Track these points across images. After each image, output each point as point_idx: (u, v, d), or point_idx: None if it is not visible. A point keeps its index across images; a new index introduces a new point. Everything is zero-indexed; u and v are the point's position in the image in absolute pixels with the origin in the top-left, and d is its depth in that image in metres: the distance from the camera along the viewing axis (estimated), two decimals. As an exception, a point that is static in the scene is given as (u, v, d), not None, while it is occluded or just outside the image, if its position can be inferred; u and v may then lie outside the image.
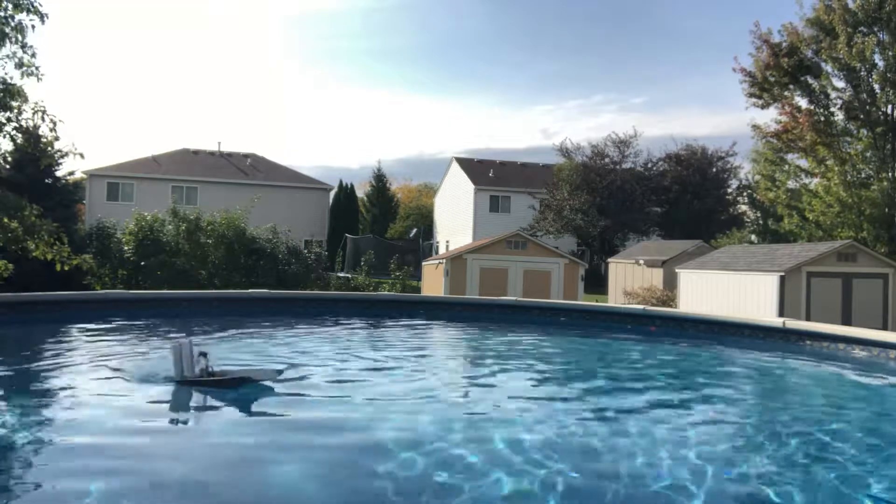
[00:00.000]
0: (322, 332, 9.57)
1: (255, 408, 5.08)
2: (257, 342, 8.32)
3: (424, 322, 10.75)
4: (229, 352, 7.31)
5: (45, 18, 9.68)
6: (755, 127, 24.30)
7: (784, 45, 22.46)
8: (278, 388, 5.36)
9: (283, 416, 4.88)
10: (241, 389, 5.20)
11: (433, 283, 20.32)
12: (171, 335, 8.50)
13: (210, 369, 5.25)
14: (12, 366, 6.42)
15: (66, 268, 10.49)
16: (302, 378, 6.07)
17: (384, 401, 5.37)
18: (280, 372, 5.55)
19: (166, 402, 5.22)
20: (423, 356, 8.08)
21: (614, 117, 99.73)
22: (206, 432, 4.57)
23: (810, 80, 22.46)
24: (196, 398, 5.21)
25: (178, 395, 5.22)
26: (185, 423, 4.95)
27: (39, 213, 10.53)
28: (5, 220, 9.91)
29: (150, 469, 3.63)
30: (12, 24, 9.54)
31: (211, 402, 5.17)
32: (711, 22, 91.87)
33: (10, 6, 9.50)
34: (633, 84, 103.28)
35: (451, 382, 6.58)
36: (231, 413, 5.04)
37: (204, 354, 5.28)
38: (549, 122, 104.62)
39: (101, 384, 5.50)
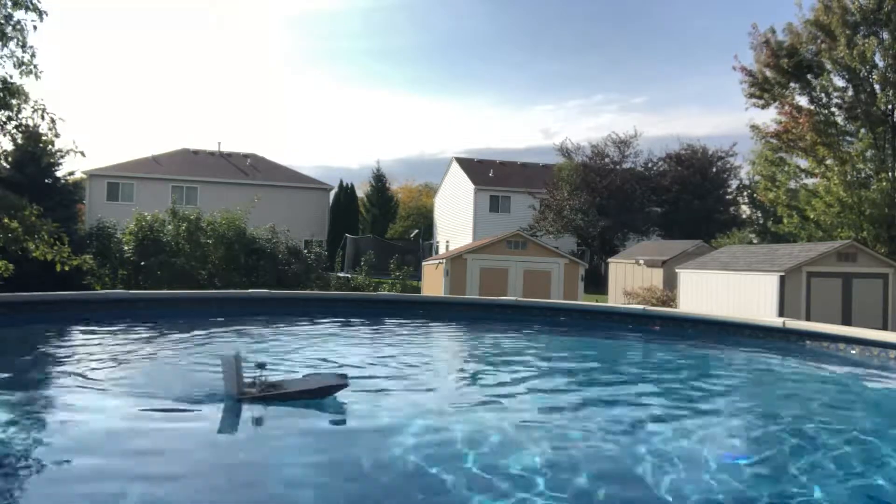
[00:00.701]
0: (335, 333, 9.56)
1: (323, 422, 4.64)
2: (265, 343, 8.32)
3: (424, 322, 10.75)
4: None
5: (45, 16, 9.66)
6: (754, 127, 24.32)
7: (784, 45, 22.48)
8: (341, 396, 4.86)
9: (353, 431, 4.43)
10: (303, 401, 4.70)
11: (433, 283, 20.31)
12: (172, 336, 8.50)
13: (265, 380, 4.70)
14: (11, 368, 6.41)
15: (67, 268, 10.48)
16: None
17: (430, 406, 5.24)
18: (345, 378, 4.96)
19: (228, 421, 4.64)
20: (429, 358, 8.08)
21: (615, 117, 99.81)
22: (273, 460, 3.89)
23: (811, 80, 22.48)
24: (256, 415, 4.57)
25: (237, 412, 4.61)
26: (248, 445, 4.24)
27: (39, 213, 10.51)
28: (6, 220, 9.90)
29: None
30: (11, 22, 9.53)
31: (273, 418, 4.58)
32: (712, 21, 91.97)
33: (9, 3, 9.49)
34: (634, 84, 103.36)
35: (464, 385, 6.57)
36: (302, 429, 4.48)
37: (262, 366, 4.75)
38: (550, 122, 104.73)
39: (110, 398, 5.39)
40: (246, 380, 4.68)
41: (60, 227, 11.03)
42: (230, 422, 4.64)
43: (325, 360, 7.09)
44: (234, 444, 4.25)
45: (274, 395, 4.61)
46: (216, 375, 5.05)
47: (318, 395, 4.77)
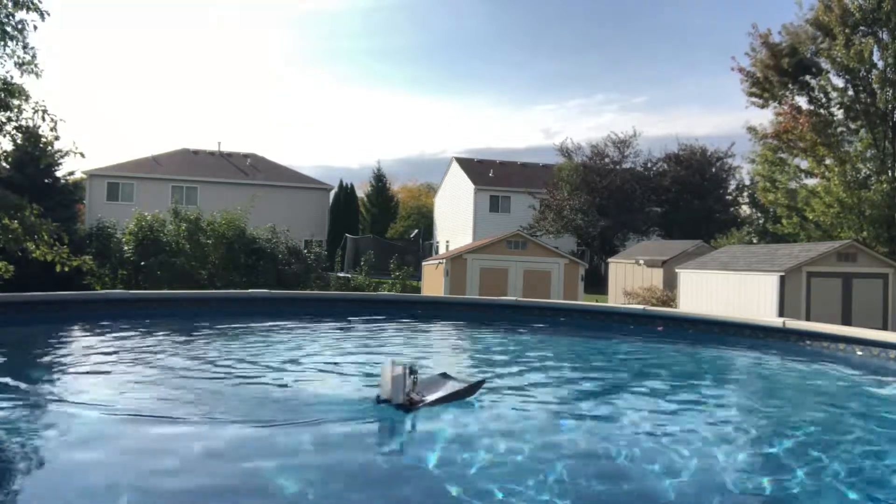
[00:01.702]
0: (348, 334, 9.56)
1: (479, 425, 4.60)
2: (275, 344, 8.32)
3: (424, 322, 10.76)
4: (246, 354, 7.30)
5: (46, 16, 9.64)
6: (751, 129, 24.33)
7: (783, 45, 22.48)
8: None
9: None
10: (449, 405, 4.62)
11: (433, 283, 20.31)
12: (173, 335, 8.51)
13: (417, 385, 4.59)
14: (12, 368, 6.41)
15: (66, 269, 10.47)
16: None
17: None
18: (445, 375, 5.02)
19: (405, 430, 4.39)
20: (427, 357, 8.08)
21: (615, 117, 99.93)
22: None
23: (810, 80, 22.48)
24: (422, 420, 4.47)
25: (404, 420, 4.43)
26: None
27: (39, 213, 10.50)
28: (6, 220, 9.89)
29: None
30: (13, 22, 9.53)
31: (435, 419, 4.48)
32: (713, 21, 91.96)
33: (10, 3, 9.48)
34: (635, 84, 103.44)
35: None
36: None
37: (414, 371, 4.57)
38: (551, 122, 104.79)
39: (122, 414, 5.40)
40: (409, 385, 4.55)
41: (60, 226, 11.02)
42: (408, 431, 4.44)
43: (335, 363, 7.09)
44: (441, 453, 3.96)
45: (436, 400, 4.53)
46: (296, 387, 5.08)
47: (464, 395, 4.82)
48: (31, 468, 3.67)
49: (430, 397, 4.56)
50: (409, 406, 4.43)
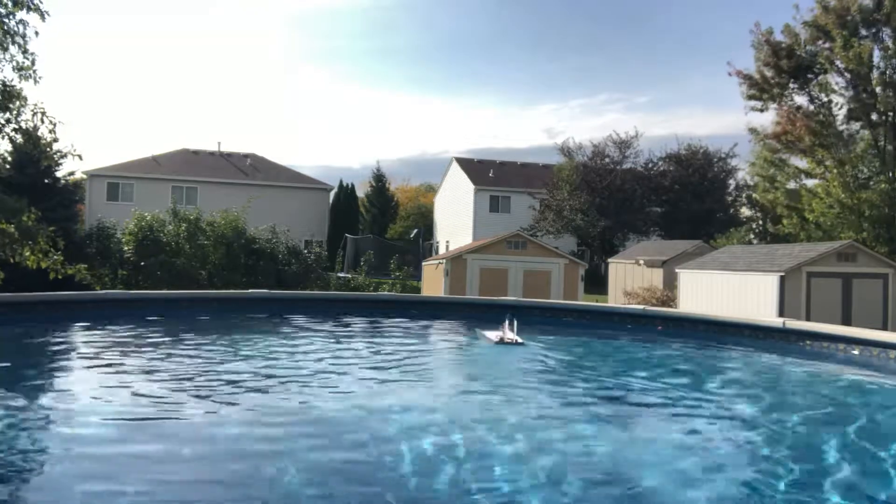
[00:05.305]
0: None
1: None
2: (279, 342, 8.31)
3: (425, 322, 10.75)
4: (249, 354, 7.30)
5: (46, 16, 9.54)
6: (752, 130, 24.34)
7: (782, 46, 22.48)
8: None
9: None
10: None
11: (433, 283, 20.31)
12: (172, 335, 8.50)
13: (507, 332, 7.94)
14: (13, 368, 6.40)
15: (60, 276, 10.35)
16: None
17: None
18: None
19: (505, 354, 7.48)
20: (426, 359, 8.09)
21: (619, 116, 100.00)
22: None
23: (809, 79, 22.46)
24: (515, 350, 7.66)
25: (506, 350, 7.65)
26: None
27: (37, 217, 10.42)
28: (3, 224, 9.82)
29: None
30: (13, 21, 9.45)
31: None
32: (716, 20, 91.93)
33: (9, 3, 9.41)
34: (638, 83, 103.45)
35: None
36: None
37: (513, 324, 7.97)
38: (554, 122, 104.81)
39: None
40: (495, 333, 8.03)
41: (58, 229, 10.93)
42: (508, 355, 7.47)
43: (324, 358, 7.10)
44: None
45: (514, 341, 7.84)
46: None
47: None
48: (28, 470, 3.66)
49: (517, 338, 7.88)
50: (512, 343, 7.81)
